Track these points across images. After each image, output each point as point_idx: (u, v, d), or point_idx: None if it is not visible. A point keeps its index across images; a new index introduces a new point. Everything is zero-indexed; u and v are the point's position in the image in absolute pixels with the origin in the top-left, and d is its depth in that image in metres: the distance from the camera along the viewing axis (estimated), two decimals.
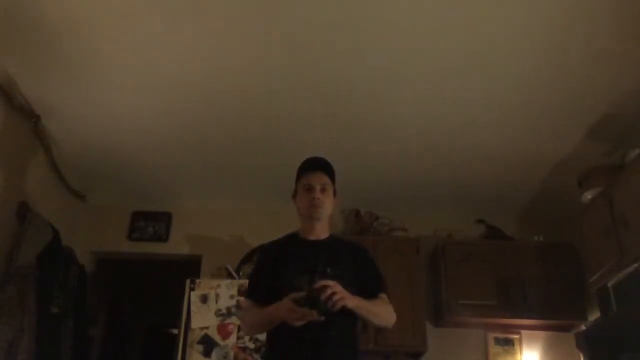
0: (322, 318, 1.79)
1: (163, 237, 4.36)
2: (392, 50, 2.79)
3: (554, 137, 3.44)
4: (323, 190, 2.11)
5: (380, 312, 2.03)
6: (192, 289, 3.53)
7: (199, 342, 3.40)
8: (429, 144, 3.57)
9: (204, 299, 3.51)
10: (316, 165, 2.16)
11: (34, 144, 3.51)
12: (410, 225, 4.22)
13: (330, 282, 1.82)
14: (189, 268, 4.07)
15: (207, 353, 3.37)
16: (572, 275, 3.80)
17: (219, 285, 3.51)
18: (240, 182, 4.12)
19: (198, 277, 3.80)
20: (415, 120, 3.35)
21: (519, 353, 3.98)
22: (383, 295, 2.08)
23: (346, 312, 1.88)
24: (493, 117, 3.29)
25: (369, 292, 1.98)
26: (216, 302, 3.46)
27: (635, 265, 2.80)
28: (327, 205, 2.12)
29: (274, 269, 2.01)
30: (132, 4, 2.56)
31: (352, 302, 1.86)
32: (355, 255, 2.12)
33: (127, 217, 4.40)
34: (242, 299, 3.09)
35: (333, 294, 1.79)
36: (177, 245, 4.35)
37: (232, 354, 3.37)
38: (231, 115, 3.35)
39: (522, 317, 3.81)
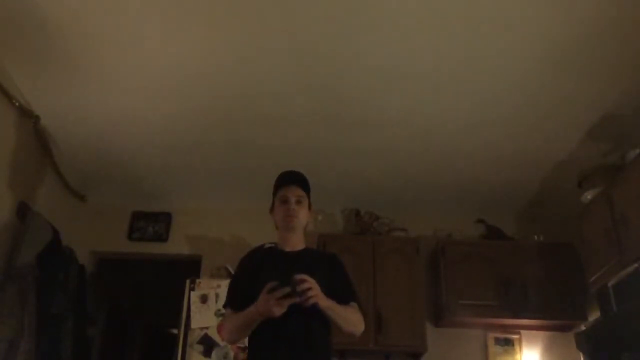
0: (298, 299, 1.84)
1: (163, 237, 4.36)
2: (392, 50, 2.79)
3: (554, 137, 3.44)
4: (298, 202, 2.19)
5: (350, 317, 2.07)
6: (192, 289, 3.53)
7: (199, 342, 3.40)
8: (429, 144, 3.58)
9: (204, 299, 3.51)
10: (292, 179, 2.24)
11: (34, 144, 3.51)
12: (410, 225, 4.23)
13: (309, 278, 1.87)
14: (189, 268, 4.07)
15: (207, 353, 3.37)
16: (572, 275, 3.80)
17: (219, 285, 3.51)
18: (240, 183, 4.12)
19: (198, 277, 3.80)
20: (416, 121, 3.35)
21: (519, 353, 3.98)
22: (354, 304, 2.13)
23: (321, 317, 1.94)
24: (493, 118, 3.29)
25: (340, 299, 2.02)
26: (216, 302, 3.46)
27: (635, 265, 2.80)
28: (302, 217, 2.19)
29: (251, 279, 2.06)
30: (131, 6, 2.56)
31: (324, 302, 1.91)
32: (329, 265, 2.18)
33: (127, 217, 4.41)
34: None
35: (309, 289, 1.85)
36: (177, 245, 4.35)
37: (232, 354, 3.37)
38: (231, 116, 3.35)
39: (522, 317, 3.81)
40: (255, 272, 2.09)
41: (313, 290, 1.86)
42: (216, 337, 3.40)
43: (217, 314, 3.44)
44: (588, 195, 3.36)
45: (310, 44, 2.77)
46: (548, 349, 3.99)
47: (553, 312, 3.79)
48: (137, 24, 2.68)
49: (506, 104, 3.17)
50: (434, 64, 2.88)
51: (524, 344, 4.01)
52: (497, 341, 4.02)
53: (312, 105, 3.23)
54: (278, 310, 1.85)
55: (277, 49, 2.80)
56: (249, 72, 2.98)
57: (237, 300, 2.08)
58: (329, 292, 1.95)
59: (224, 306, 2.19)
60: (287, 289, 1.84)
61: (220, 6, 2.54)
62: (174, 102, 3.25)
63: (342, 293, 2.08)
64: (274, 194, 2.25)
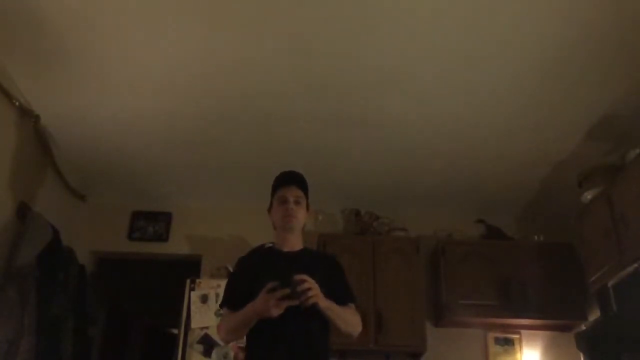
0: (297, 302, 1.85)
1: (163, 237, 4.36)
2: (392, 50, 2.79)
3: (554, 137, 3.44)
4: (297, 202, 2.20)
5: (349, 318, 2.08)
6: (192, 289, 3.54)
7: (199, 342, 3.40)
8: (429, 144, 3.58)
9: (204, 299, 3.51)
10: (290, 179, 2.25)
11: (34, 144, 3.51)
12: (410, 225, 4.22)
13: (309, 279, 1.88)
14: (189, 268, 4.07)
15: (207, 353, 3.37)
16: (572, 275, 3.80)
17: (219, 285, 3.50)
18: (240, 182, 4.12)
19: (198, 277, 3.80)
20: (416, 121, 3.35)
21: (519, 353, 3.98)
22: (352, 305, 2.14)
23: (320, 317, 1.95)
24: (493, 118, 3.29)
25: (338, 301, 2.03)
26: (216, 302, 3.46)
27: (635, 265, 2.80)
28: (300, 217, 2.21)
29: (249, 279, 2.07)
30: (131, 6, 2.56)
31: (324, 302, 1.92)
32: (327, 266, 2.19)
33: (127, 217, 4.40)
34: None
35: (309, 289, 1.86)
36: (177, 245, 4.35)
37: (232, 354, 3.37)
38: (231, 115, 3.35)
39: (522, 317, 3.81)
40: (254, 272, 2.10)
41: (313, 291, 1.87)
42: (216, 337, 3.39)
43: (217, 313, 3.43)
44: (588, 195, 3.36)
45: (311, 44, 2.77)
46: (548, 349, 4.00)
47: (553, 312, 3.79)
48: (137, 24, 2.68)
49: (506, 104, 3.17)
50: (434, 64, 2.88)
51: (524, 343, 4.01)
52: (497, 341, 4.02)
53: (312, 105, 3.23)
54: (276, 311, 1.86)
55: (277, 49, 2.80)
56: (249, 72, 2.98)
57: (234, 299, 2.09)
58: (328, 293, 1.96)
59: (221, 305, 2.21)
60: (286, 291, 1.84)
61: (220, 6, 2.54)
62: (174, 102, 3.24)
63: (340, 294, 2.09)
64: (272, 194, 2.27)
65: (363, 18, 2.58)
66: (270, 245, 2.29)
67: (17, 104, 3.20)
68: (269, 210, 2.28)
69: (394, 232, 4.20)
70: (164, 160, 3.86)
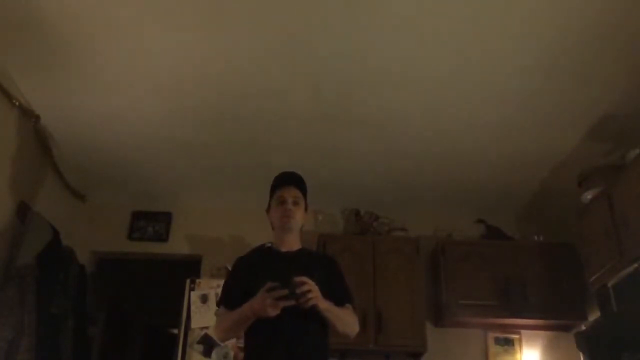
0: (294, 302, 1.86)
1: (163, 237, 4.36)
2: (392, 51, 2.79)
3: (554, 137, 3.44)
4: (295, 203, 2.21)
5: (347, 319, 2.09)
6: (192, 289, 3.54)
7: (199, 342, 3.40)
8: (429, 144, 3.58)
9: (204, 299, 3.51)
10: (289, 180, 2.26)
11: (34, 144, 3.51)
12: (410, 225, 4.23)
13: (309, 280, 1.88)
14: (189, 268, 4.07)
15: (207, 353, 3.37)
16: (572, 275, 3.80)
17: (219, 285, 3.47)
18: (240, 182, 4.12)
19: (198, 277, 3.80)
20: (416, 121, 3.35)
21: (519, 353, 3.98)
22: (349, 306, 2.15)
23: (318, 318, 1.96)
24: (493, 118, 3.29)
25: (336, 301, 2.04)
26: (216, 302, 3.47)
27: (635, 265, 2.81)
28: (298, 218, 2.22)
29: (247, 278, 2.08)
30: (131, 6, 2.56)
31: (323, 304, 1.94)
32: (325, 267, 2.20)
33: (127, 217, 4.40)
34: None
35: (309, 291, 1.86)
36: (177, 245, 4.35)
37: (232, 354, 3.37)
38: (231, 115, 3.35)
39: (522, 317, 3.81)
40: (252, 271, 2.11)
41: (313, 292, 1.87)
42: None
43: (217, 313, 3.44)
44: (588, 195, 3.36)
45: (310, 44, 2.77)
46: (548, 349, 4.00)
47: (553, 312, 3.79)
48: (137, 24, 2.68)
49: (506, 104, 3.17)
50: (435, 65, 2.88)
51: (524, 343, 4.01)
52: (497, 341, 4.02)
53: (313, 105, 3.23)
54: (272, 311, 1.86)
55: (277, 49, 2.80)
56: (249, 72, 2.98)
57: (231, 298, 2.10)
58: (326, 294, 1.97)
59: (218, 304, 2.21)
60: (285, 291, 1.85)
61: (220, 6, 2.54)
62: (174, 102, 3.24)
63: (338, 295, 2.10)
64: (271, 194, 2.28)
65: (364, 19, 2.58)
66: (269, 245, 2.29)
67: (17, 104, 3.20)
68: (268, 210, 2.29)
69: (394, 232, 4.20)
70: (164, 160, 3.86)
